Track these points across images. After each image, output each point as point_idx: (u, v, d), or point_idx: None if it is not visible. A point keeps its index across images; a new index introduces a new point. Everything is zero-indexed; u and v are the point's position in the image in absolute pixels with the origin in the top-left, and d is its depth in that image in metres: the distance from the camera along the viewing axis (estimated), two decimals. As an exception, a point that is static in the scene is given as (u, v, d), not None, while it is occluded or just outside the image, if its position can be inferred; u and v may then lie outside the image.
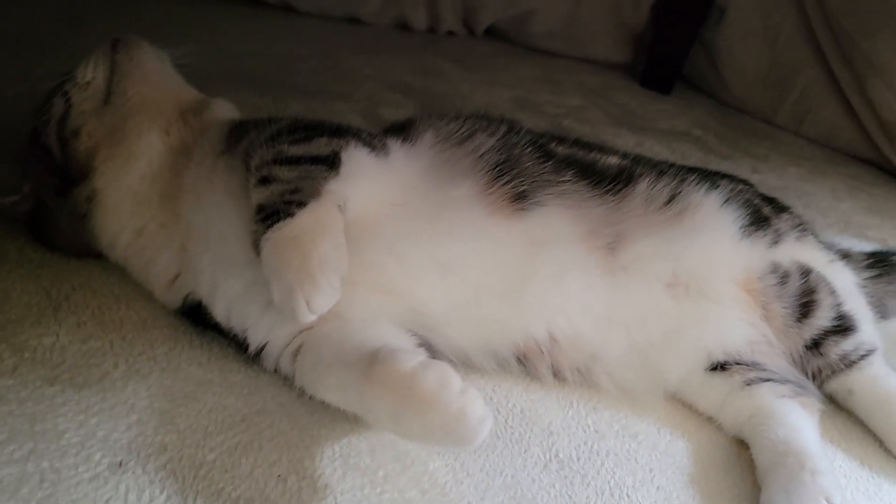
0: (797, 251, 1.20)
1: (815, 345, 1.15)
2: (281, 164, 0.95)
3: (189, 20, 2.57)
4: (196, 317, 1.07)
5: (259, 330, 0.99)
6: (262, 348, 0.99)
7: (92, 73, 1.12)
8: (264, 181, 0.94)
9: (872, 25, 2.38)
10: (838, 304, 1.17)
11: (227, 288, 1.00)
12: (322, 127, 1.04)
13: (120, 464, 0.84)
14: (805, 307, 1.15)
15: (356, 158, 1.00)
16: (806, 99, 2.66)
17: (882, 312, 1.27)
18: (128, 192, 1.09)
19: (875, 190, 2.27)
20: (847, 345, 1.14)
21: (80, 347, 1.00)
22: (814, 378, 1.15)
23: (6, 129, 1.18)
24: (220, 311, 1.02)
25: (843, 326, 1.15)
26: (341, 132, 1.04)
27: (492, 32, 3.20)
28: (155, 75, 1.16)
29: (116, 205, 1.09)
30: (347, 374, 0.87)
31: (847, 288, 1.22)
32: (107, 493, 0.80)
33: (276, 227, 0.89)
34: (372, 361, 0.83)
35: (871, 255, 1.32)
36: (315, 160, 0.97)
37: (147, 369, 0.99)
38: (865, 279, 1.27)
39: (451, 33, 3.12)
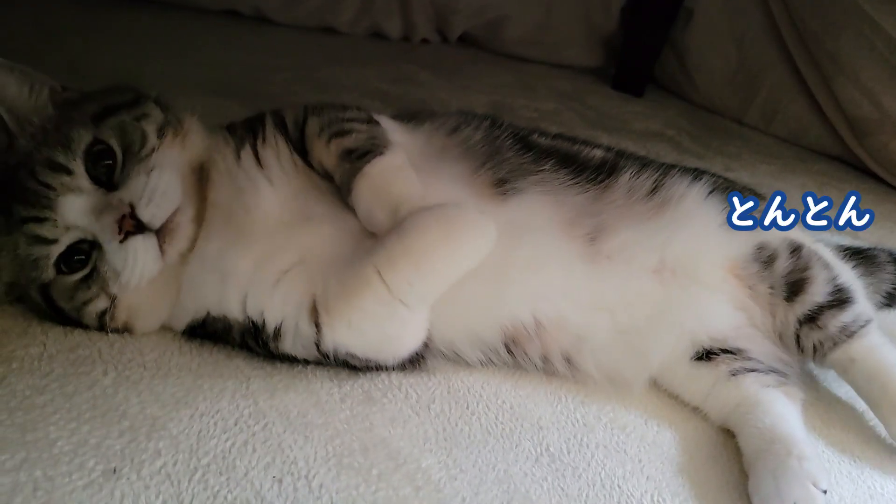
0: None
1: (811, 319, 1.15)
2: (346, 121, 1.08)
3: (164, 31, 2.57)
4: (192, 333, 1.07)
5: (274, 306, 1.00)
6: (280, 328, 1.01)
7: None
8: (341, 133, 1.05)
9: (837, 25, 2.44)
10: (834, 278, 1.17)
11: (239, 273, 1.00)
12: (347, 106, 1.15)
13: (114, 470, 0.83)
14: (796, 285, 1.16)
15: (386, 122, 1.14)
16: (774, 98, 2.72)
17: None
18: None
19: (844, 186, 2.32)
20: (846, 316, 1.14)
21: (67, 356, 1.00)
22: (815, 351, 1.15)
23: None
24: (236, 307, 1.01)
25: (840, 299, 1.15)
26: (361, 109, 1.15)
27: (465, 39, 3.24)
28: None
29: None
30: (385, 242, 0.96)
31: (838, 261, 1.22)
32: (102, 500, 0.79)
33: (373, 162, 1.01)
34: (400, 222, 0.96)
35: (846, 249, 1.33)
36: (368, 120, 1.11)
37: (137, 376, 0.99)
38: None
39: (425, 41, 3.16)
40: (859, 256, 1.32)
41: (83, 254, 0.97)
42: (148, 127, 1.02)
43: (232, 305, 1.02)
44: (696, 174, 1.23)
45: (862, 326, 1.15)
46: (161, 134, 1.02)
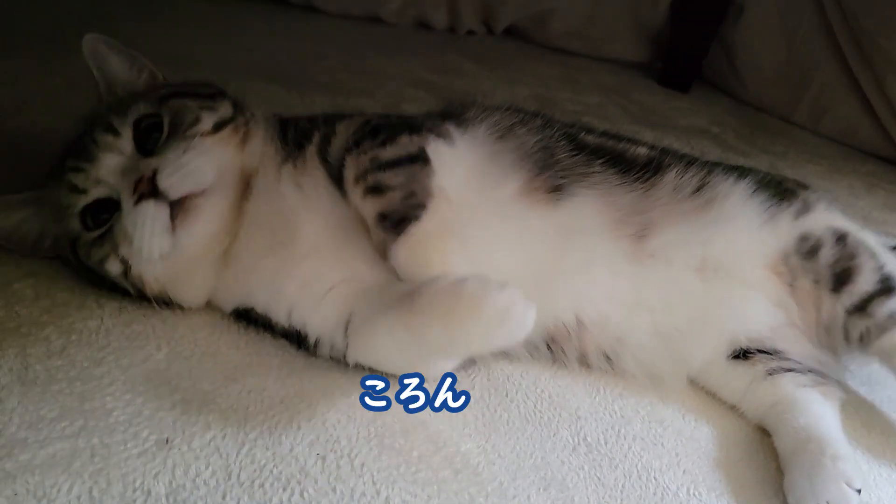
0: (829, 218, 1.20)
1: (859, 309, 1.13)
2: (383, 170, 0.99)
3: (215, 18, 2.62)
4: (238, 316, 1.10)
5: (315, 322, 1.03)
6: (319, 340, 1.03)
7: None
8: (376, 190, 0.98)
9: (891, 23, 2.39)
10: (881, 266, 1.15)
11: (287, 291, 1.03)
12: (398, 125, 1.08)
13: (167, 440, 0.87)
14: (843, 274, 1.15)
15: (439, 151, 1.05)
16: (824, 97, 2.67)
17: None
18: None
19: (893, 187, 2.28)
20: (894, 303, 1.12)
21: (123, 331, 1.04)
22: (861, 339, 1.13)
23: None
24: (281, 316, 1.04)
25: (887, 287, 1.14)
26: (416, 127, 1.08)
27: (511, 32, 3.24)
28: None
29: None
30: (394, 312, 0.91)
31: (883, 249, 1.21)
32: (155, 468, 0.83)
33: (408, 231, 0.94)
34: (415, 291, 0.89)
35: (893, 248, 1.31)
36: (410, 159, 1.02)
37: (188, 352, 1.02)
38: None
39: (470, 32, 3.16)
40: None
41: (108, 213, 1.02)
42: (206, 115, 1.05)
43: (279, 314, 1.05)
44: (741, 172, 1.22)
45: None
46: (218, 128, 1.05)
